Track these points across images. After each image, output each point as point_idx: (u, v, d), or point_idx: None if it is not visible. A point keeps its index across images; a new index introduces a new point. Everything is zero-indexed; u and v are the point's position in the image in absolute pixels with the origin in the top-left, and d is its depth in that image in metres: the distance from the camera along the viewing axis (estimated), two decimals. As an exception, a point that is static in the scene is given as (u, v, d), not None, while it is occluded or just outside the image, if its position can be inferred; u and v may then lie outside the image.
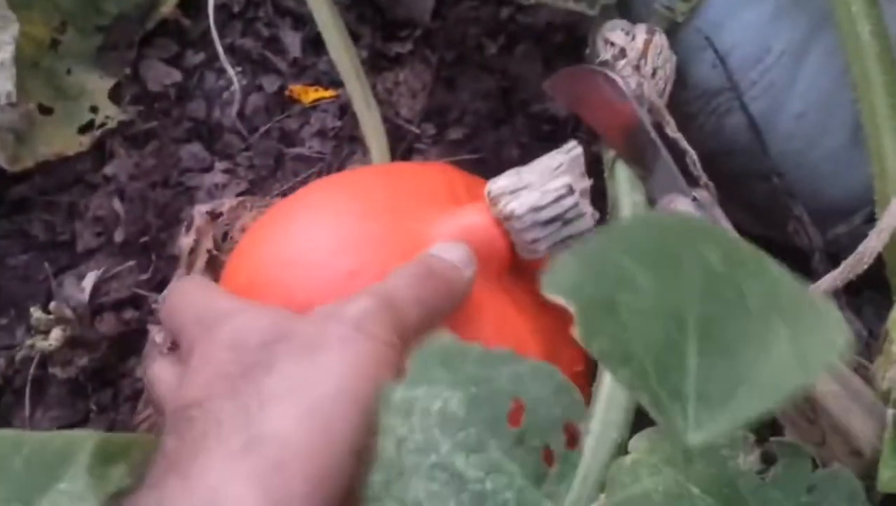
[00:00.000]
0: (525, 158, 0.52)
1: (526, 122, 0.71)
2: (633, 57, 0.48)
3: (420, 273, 0.42)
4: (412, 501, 0.33)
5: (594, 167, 0.56)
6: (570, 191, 0.42)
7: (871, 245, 0.46)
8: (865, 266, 0.46)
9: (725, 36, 0.52)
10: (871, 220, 0.50)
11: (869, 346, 0.54)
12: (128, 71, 0.72)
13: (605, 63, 0.49)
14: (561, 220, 0.43)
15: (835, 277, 0.47)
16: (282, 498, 0.33)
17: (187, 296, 0.43)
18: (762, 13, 0.52)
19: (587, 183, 0.45)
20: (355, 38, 0.73)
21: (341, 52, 0.67)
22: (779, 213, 0.54)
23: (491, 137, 0.71)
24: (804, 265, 0.56)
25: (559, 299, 0.29)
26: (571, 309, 0.28)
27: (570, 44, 0.72)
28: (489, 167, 0.66)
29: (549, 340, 0.46)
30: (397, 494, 0.33)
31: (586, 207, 0.44)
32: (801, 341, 0.29)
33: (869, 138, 0.47)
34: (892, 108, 0.46)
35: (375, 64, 0.73)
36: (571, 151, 0.44)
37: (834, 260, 0.55)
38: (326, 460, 0.34)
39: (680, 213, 0.40)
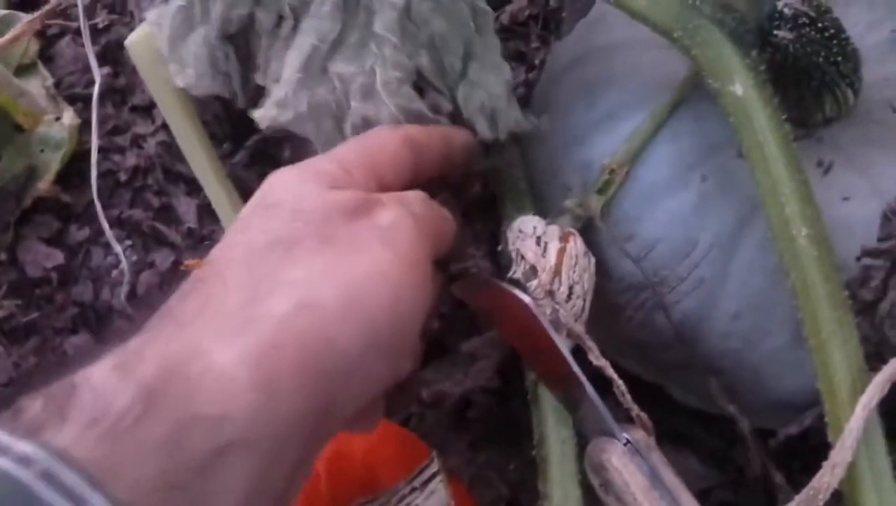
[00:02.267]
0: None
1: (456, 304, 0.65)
2: (545, 279, 0.43)
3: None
4: None
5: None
6: None
7: (825, 481, 0.41)
8: (821, 503, 0.42)
9: (647, 229, 0.47)
10: (823, 419, 0.45)
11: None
12: (3, 256, 0.65)
13: (516, 282, 0.44)
14: None
15: (789, 515, 0.42)
16: (271, 376, 0.31)
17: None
18: (685, 203, 0.47)
19: None
20: (256, 200, 0.68)
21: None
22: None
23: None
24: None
25: None
26: None
27: (487, 197, 0.68)
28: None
29: None
30: None
31: None
32: None
33: (814, 353, 0.42)
34: (838, 322, 0.41)
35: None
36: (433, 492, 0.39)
37: (784, 458, 0.51)
38: (318, 345, 0.33)
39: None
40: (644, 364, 0.54)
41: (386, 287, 0.36)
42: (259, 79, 0.48)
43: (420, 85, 0.44)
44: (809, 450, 0.45)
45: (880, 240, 0.42)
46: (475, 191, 0.68)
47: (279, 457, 0.32)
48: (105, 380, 0.30)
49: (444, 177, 0.46)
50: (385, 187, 0.42)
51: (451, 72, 0.43)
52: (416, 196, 0.42)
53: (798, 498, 0.42)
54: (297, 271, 0.35)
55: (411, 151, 0.43)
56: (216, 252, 0.38)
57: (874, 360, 0.43)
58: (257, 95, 0.49)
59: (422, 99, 0.44)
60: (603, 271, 0.49)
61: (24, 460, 0.27)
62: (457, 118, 0.45)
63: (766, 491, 0.52)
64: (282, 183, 0.40)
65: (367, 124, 0.45)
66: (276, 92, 0.46)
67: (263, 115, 0.46)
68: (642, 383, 0.55)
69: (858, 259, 0.44)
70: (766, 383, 0.48)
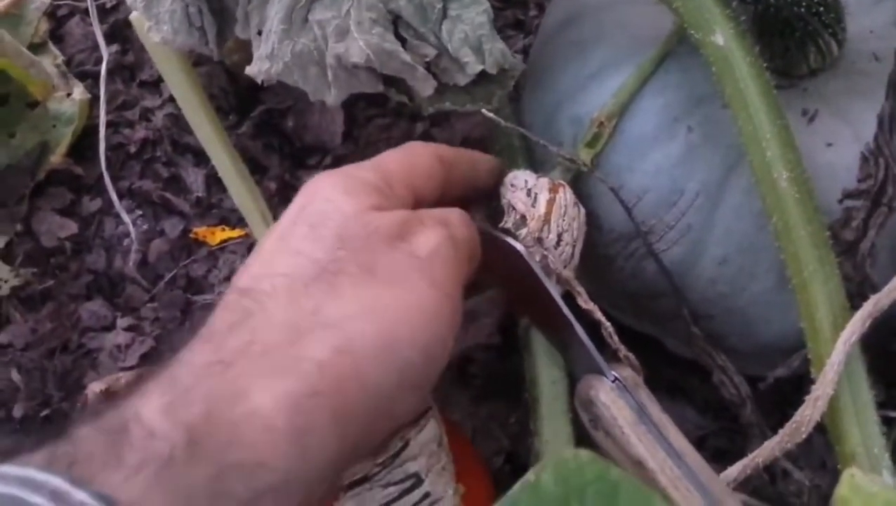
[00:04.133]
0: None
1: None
2: (534, 227, 0.44)
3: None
4: None
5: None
6: (419, 481, 0.38)
7: (808, 413, 0.42)
8: (804, 435, 0.43)
9: (636, 180, 0.48)
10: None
11: (811, 495, 0.51)
12: (19, 227, 0.68)
13: (507, 231, 0.45)
14: None
15: (773, 448, 0.44)
16: (307, 425, 0.32)
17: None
18: (672, 154, 0.48)
19: (445, 458, 0.41)
20: (262, 169, 0.70)
21: (244, 195, 0.63)
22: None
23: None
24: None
25: None
26: None
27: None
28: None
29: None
30: None
31: (445, 489, 0.40)
32: None
33: (797, 292, 0.44)
34: (820, 261, 0.43)
35: (286, 196, 0.69)
36: (423, 427, 0.40)
37: (780, 397, 0.52)
38: (353, 389, 0.34)
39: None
40: (638, 316, 0.55)
41: (421, 324, 0.37)
42: (239, 31, 0.50)
43: (401, 33, 0.45)
44: (803, 398, 0.46)
45: (860, 181, 0.44)
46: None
47: (308, 496, 0.34)
48: (154, 422, 0.31)
49: (467, 198, 0.48)
50: (419, 200, 0.43)
51: (431, 12, 0.44)
52: (458, 216, 0.43)
53: (782, 431, 0.43)
54: (338, 309, 0.36)
55: (443, 166, 0.45)
56: (259, 270, 0.38)
57: (857, 299, 0.44)
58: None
59: (403, 47, 0.45)
60: (593, 223, 0.50)
61: None
62: (440, 61, 0.46)
63: (761, 437, 0.53)
64: (325, 196, 0.40)
65: (341, 66, 0.46)
66: (263, 46, 0.47)
67: (257, 70, 0.48)
68: (638, 337, 0.56)
69: (840, 202, 0.45)
70: (754, 327, 0.50)
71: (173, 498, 0.30)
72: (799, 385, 0.49)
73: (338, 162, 0.70)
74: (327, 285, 0.36)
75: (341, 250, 0.38)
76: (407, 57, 0.45)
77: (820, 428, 0.50)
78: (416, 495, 0.40)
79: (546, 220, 0.45)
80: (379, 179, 0.41)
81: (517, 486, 0.28)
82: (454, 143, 0.70)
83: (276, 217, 0.62)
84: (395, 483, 0.40)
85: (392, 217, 0.39)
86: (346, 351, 0.34)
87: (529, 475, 0.29)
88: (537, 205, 0.45)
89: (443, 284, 0.38)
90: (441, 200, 0.44)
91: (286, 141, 0.71)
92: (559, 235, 0.45)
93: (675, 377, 0.60)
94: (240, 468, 0.31)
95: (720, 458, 0.56)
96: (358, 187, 0.40)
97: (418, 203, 0.43)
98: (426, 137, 0.71)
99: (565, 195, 0.46)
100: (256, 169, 0.68)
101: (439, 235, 0.40)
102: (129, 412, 0.32)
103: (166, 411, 0.32)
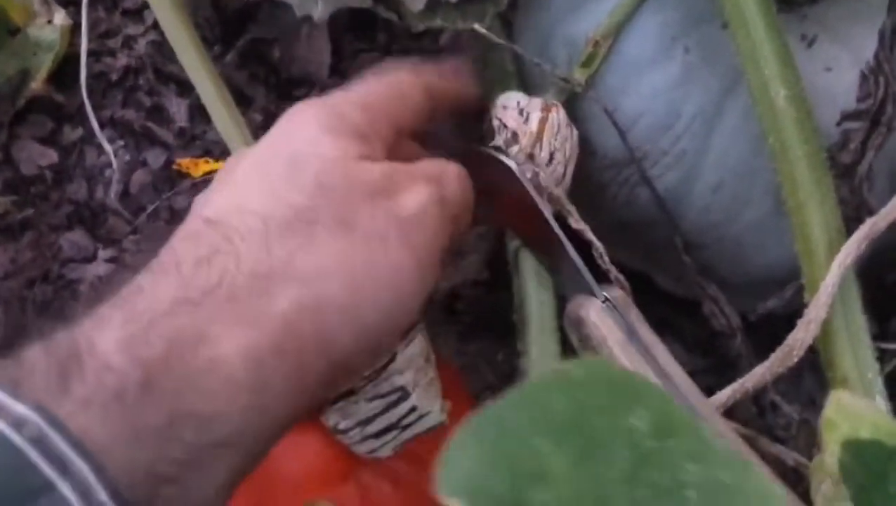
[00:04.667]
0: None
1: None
2: (526, 144, 0.43)
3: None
4: None
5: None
6: (405, 394, 0.38)
7: (800, 337, 0.42)
8: (796, 359, 0.42)
9: (630, 102, 0.47)
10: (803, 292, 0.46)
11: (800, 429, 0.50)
12: (-2, 155, 0.66)
13: (498, 148, 0.44)
14: (398, 427, 0.38)
15: (763, 373, 0.43)
16: (267, 381, 0.32)
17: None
18: (669, 76, 0.47)
19: (432, 373, 0.40)
20: (248, 100, 0.68)
21: (229, 126, 0.61)
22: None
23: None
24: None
25: (456, 503, 0.23)
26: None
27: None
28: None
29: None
30: None
31: (432, 404, 0.40)
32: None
33: (792, 214, 0.43)
34: (816, 183, 0.42)
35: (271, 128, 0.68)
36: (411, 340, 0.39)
37: (772, 335, 0.51)
38: (315, 349, 0.34)
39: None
40: (629, 248, 0.54)
41: (389, 288, 0.36)
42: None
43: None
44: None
45: (859, 100, 0.43)
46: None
47: (261, 450, 0.33)
48: (110, 355, 0.30)
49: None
50: (401, 134, 0.42)
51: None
52: (454, 173, 0.41)
53: (773, 355, 0.43)
54: (309, 261, 0.34)
55: (431, 100, 0.43)
56: (229, 200, 0.37)
57: (854, 224, 0.43)
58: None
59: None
60: (586, 149, 0.49)
61: (19, 423, 0.27)
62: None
63: (750, 369, 0.53)
64: (308, 135, 0.38)
65: None
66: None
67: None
68: (629, 274, 0.55)
69: (839, 124, 0.44)
70: (747, 256, 0.49)
71: (119, 433, 0.29)
72: (789, 326, 0.49)
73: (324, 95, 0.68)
74: (301, 234, 0.35)
75: (320, 198, 0.36)
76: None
77: (811, 365, 0.50)
78: (403, 408, 0.39)
79: (538, 137, 0.44)
80: (364, 121, 0.39)
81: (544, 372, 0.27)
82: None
83: (261, 149, 0.62)
84: (382, 396, 0.39)
85: (377, 170, 0.38)
86: (311, 309, 0.33)
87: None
88: (529, 123, 0.44)
89: (420, 247, 0.37)
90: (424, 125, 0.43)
91: (272, 72, 0.69)
92: (551, 154, 0.44)
93: (664, 315, 0.59)
94: (194, 417, 0.30)
95: (709, 395, 0.56)
96: (342, 129, 0.39)
97: (399, 136, 0.42)
98: (416, 72, 0.70)
99: (558, 115, 0.45)
100: (241, 100, 0.66)
101: (426, 195, 0.38)
102: (83, 340, 0.31)
103: (125, 345, 0.30)
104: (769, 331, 0.51)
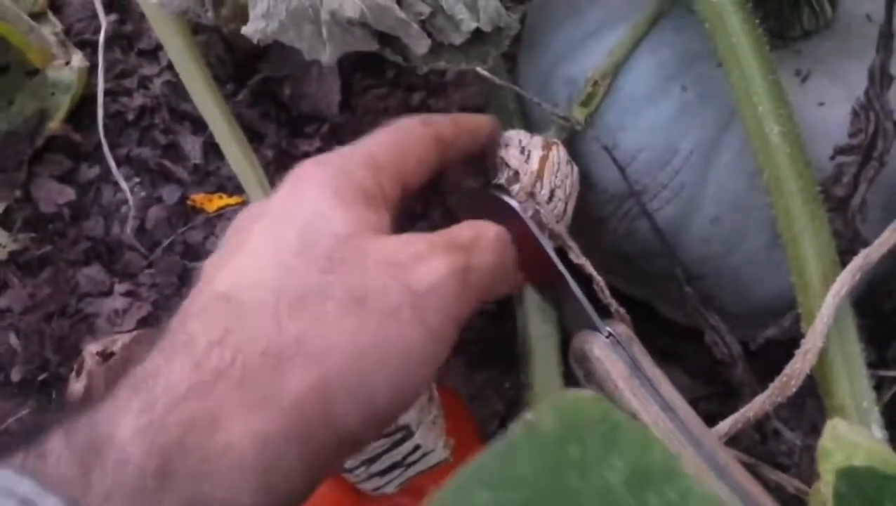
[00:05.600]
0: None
1: (444, 215, 0.67)
2: (527, 182, 0.44)
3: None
4: None
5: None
6: (409, 433, 0.39)
7: (798, 367, 0.43)
8: (794, 388, 0.43)
9: (629, 138, 0.49)
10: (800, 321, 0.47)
11: (802, 456, 0.51)
12: (18, 193, 0.68)
13: (500, 187, 0.45)
14: (402, 465, 0.39)
15: (763, 402, 0.44)
16: (276, 464, 0.32)
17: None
18: (666, 112, 0.48)
19: (436, 411, 0.41)
20: (259, 137, 0.70)
21: (241, 162, 0.63)
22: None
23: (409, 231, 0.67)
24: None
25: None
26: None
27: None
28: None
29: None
30: None
31: (435, 442, 0.40)
32: None
33: (787, 247, 0.44)
34: (810, 216, 0.43)
35: (283, 164, 0.69)
36: None
37: (775, 361, 0.52)
38: (323, 431, 0.34)
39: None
40: (631, 278, 0.56)
41: (399, 367, 0.35)
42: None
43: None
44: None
45: (851, 136, 0.44)
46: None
47: None
48: (128, 446, 0.31)
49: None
50: (407, 189, 0.41)
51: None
52: (490, 239, 0.40)
53: (772, 385, 0.44)
54: (320, 339, 0.34)
55: (439, 152, 0.43)
56: (242, 276, 0.36)
57: (848, 256, 0.45)
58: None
59: (398, 4, 0.45)
60: (587, 184, 0.50)
61: None
62: (435, 20, 0.46)
63: (752, 396, 0.54)
64: (317, 208, 0.38)
65: (336, 22, 0.46)
66: (259, 6, 0.47)
67: (253, 30, 0.48)
68: (632, 303, 0.56)
69: (832, 158, 0.45)
70: (746, 287, 0.50)
71: None
72: (789, 352, 0.50)
73: (334, 131, 0.70)
74: (313, 310, 0.35)
75: (331, 274, 0.36)
76: (401, 13, 0.46)
77: (813, 392, 0.51)
78: (407, 447, 0.40)
79: (539, 175, 0.45)
80: (371, 180, 0.39)
81: (515, 425, 0.27)
82: (451, 112, 0.70)
83: (272, 184, 0.63)
84: (386, 436, 0.40)
85: (392, 243, 0.37)
86: (321, 389, 0.33)
87: (528, 415, 0.28)
88: (530, 161, 0.45)
89: (434, 323, 0.36)
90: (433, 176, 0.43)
91: (283, 110, 0.71)
92: (552, 191, 0.45)
93: (667, 343, 0.60)
94: (207, 502, 0.31)
95: (711, 422, 0.56)
96: (350, 194, 0.38)
97: (405, 191, 0.41)
98: (423, 106, 0.72)
99: (558, 153, 0.47)
100: (253, 137, 0.68)
101: (445, 266, 0.37)
102: (103, 430, 0.31)
103: (142, 433, 0.31)
104: (772, 357, 0.52)
